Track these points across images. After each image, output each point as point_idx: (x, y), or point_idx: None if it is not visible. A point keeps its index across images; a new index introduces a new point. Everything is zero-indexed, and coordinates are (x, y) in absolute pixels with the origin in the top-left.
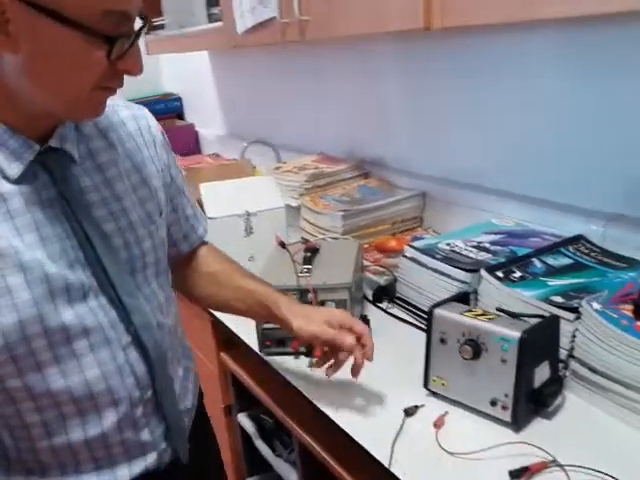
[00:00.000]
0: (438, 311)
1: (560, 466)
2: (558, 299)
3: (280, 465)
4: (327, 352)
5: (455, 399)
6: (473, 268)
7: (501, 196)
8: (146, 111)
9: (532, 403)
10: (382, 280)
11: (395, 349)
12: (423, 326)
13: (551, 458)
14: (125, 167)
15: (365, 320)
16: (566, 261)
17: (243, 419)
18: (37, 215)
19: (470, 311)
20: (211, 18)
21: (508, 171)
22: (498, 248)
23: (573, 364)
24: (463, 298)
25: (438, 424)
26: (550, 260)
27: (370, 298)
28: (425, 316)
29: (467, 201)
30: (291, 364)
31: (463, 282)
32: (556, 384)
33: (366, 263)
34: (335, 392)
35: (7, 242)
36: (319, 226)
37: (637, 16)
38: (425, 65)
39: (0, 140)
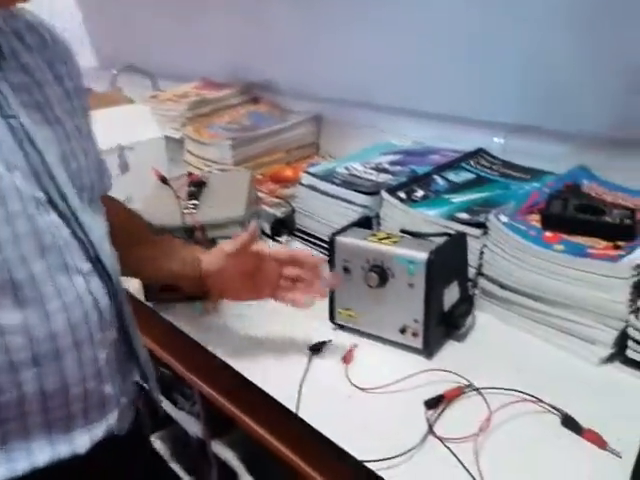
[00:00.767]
0: (339, 239)
1: (476, 390)
2: (463, 215)
3: (183, 418)
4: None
5: (364, 330)
6: (374, 191)
7: (398, 114)
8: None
9: (443, 326)
10: (279, 212)
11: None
12: (327, 257)
13: (467, 382)
14: (47, 76)
15: None
16: (468, 176)
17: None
18: None
19: (373, 235)
20: None
21: (403, 87)
22: (398, 168)
23: (482, 282)
24: (365, 223)
25: (347, 359)
26: (452, 176)
27: (268, 232)
28: (327, 246)
29: (363, 121)
30: (180, 311)
31: (364, 206)
32: (466, 304)
33: (261, 195)
34: (234, 338)
35: None
36: (206, 158)
37: None
38: None
39: None
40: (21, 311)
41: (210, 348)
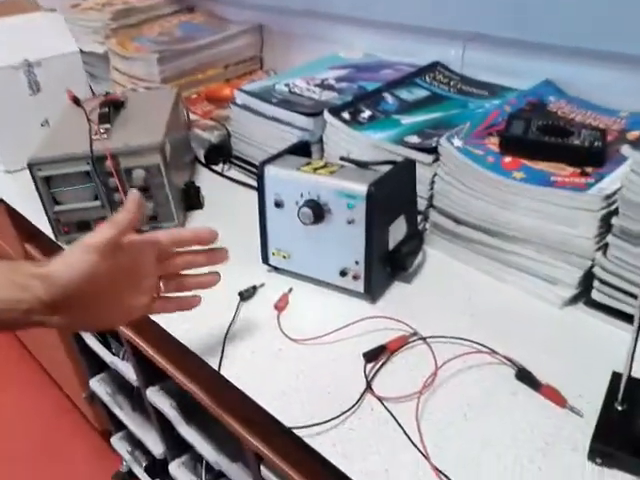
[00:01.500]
0: (269, 168)
1: (423, 339)
2: (413, 139)
3: (117, 363)
4: None
5: (300, 273)
6: (314, 111)
7: (348, 23)
8: None
9: (388, 267)
10: (214, 137)
11: (233, 220)
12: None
13: (411, 330)
14: None
15: (193, 188)
16: (422, 93)
17: None
18: None
19: (309, 164)
20: None
21: None
22: (345, 85)
23: (433, 215)
24: (303, 149)
25: (280, 306)
26: (404, 94)
27: (202, 160)
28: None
29: (310, 32)
30: None
31: (304, 129)
32: (415, 241)
33: (194, 117)
34: None
35: None
36: (132, 75)
37: None
38: None
39: None
40: None
41: None
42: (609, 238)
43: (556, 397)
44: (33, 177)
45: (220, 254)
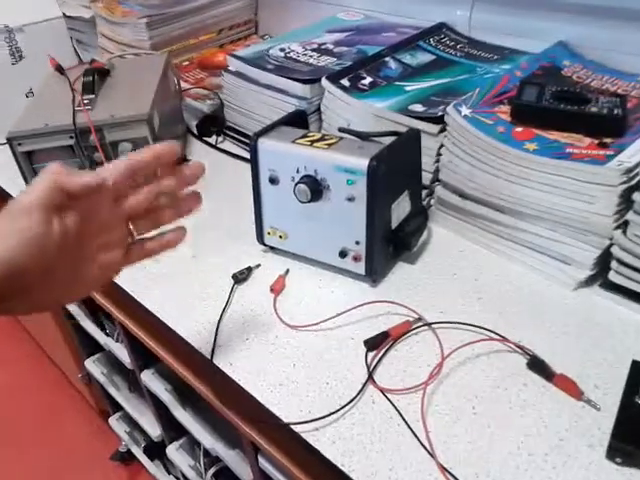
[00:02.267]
0: (263, 141)
1: (428, 325)
2: (418, 107)
3: (111, 345)
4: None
5: (297, 254)
6: (311, 78)
7: None
8: None
9: (391, 247)
10: (206, 106)
11: (227, 196)
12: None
13: (416, 316)
14: None
15: (184, 162)
16: (427, 58)
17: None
18: None
19: (305, 137)
20: None
21: None
22: (344, 49)
23: (439, 190)
24: (299, 120)
25: (276, 288)
26: (407, 58)
27: (195, 132)
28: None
29: None
30: None
31: (301, 98)
32: (419, 218)
33: (186, 86)
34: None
35: None
36: (120, 42)
37: None
38: None
39: None
40: None
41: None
42: (629, 215)
43: (571, 388)
44: (13, 152)
45: (193, 168)
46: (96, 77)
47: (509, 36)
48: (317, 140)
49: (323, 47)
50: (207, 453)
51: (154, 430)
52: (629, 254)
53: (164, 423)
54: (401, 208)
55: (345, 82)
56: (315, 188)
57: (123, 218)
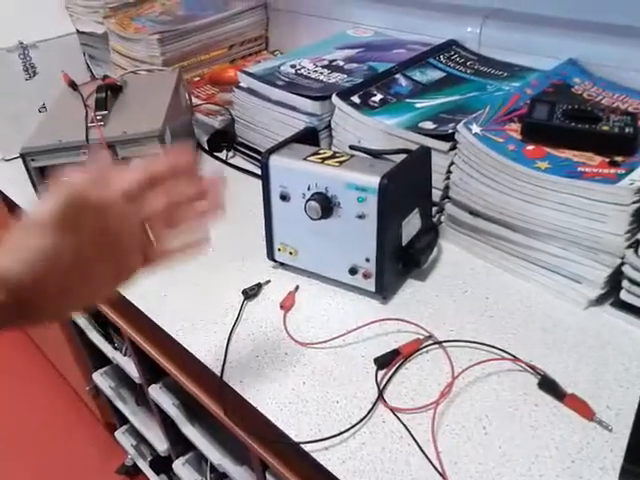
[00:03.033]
0: (274, 158)
1: (438, 343)
2: (428, 125)
3: (119, 359)
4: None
5: (307, 270)
6: (322, 95)
7: (357, 0)
8: None
9: (401, 264)
10: (217, 122)
11: (237, 212)
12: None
13: (426, 334)
14: None
15: None
16: (437, 75)
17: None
18: None
19: (316, 154)
20: None
21: None
22: (354, 66)
23: (449, 207)
24: (310, 137)
25: (286, 305)
26: (417, 75)
27: (205, 147)
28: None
29: (317, 10)
30: None
31: (311, 114)
32: (429, 236)
33: (197, 102)
34: (155, 283)
35: None
36: (133, 57)
37: None
38: None
39: None
40: None
41: (128, 296)
42: None
43: (582, 408)
44: (27, 167)
45: (211, 179)
46: (109, 93)
47: (519, 53)
48: (328, 157)
49: (333, 64)
50: (214, 469)
51: (161, 444)
52: None
53: (171, 437)
54: (411, 225)
55: (356, 99)
56: (326, 205)
57: (138, 222)
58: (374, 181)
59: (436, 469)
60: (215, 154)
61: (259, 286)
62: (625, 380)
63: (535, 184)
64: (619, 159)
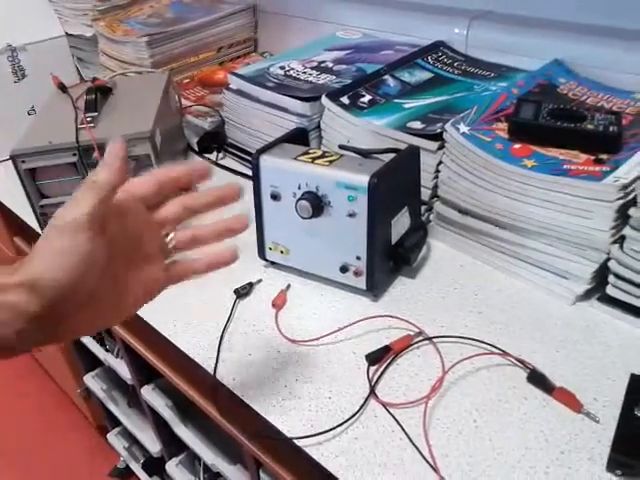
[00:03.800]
0: (265, 158)
1: (429, 339)
2: (417, 125)
3: (111, 361)
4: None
5: (298, 269)
6: (312, 95)
7: (345, 1)
8: None
9: (391, 262)
10: (207, 124)
11: (227, 212)
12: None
13: (417, 330)
14: None
15: None
16: (425, 75)
17: None
18: None
19: (306, 154)
20: None
21: None
22: (343, 67)
23: (438, 206)
24: (300, 137)
25: (278, 303)
26: (406, 76)
27: (196, 148)
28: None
29: (306, 12)
30: None
31: (301, 115)
32: (419, 234)
33: (187, 103)
34: None
35: None
36: (122, 60)
37: None
38: None
39: None
40: None
41: None
42: (626, 230)
43: (570, 401)
44: (17, 169)
45: (230, 190)
46: (98, 95)
47: (506, 54)
48: (318, 157)
49: (323, 65)
50: (207, 469)
51: (153, 446)
52: (626, 268)
53: (164, 439)
54: (401, 224)
55: (345, 100)
56: (316, 204)
57: (157, 230)
58: (364, 180)
59: (427, 462)
60: (206, 155)
61: (251, 285)
62: (611, 373)
63: (522, 182)
64: (604, 157)
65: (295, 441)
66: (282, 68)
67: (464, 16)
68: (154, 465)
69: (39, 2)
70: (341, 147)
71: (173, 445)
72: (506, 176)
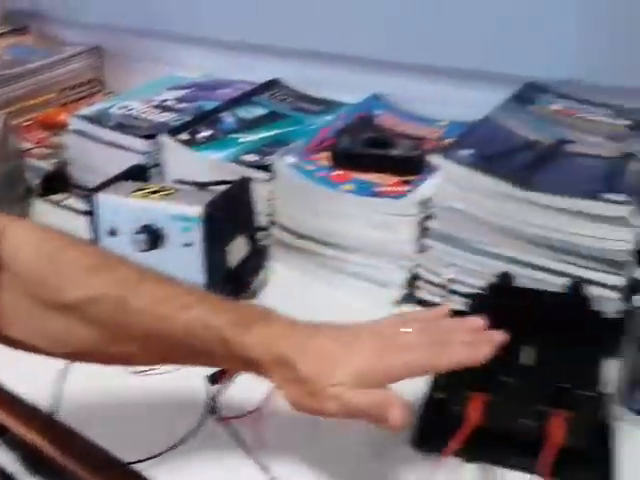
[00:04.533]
0: (101, 195)
1: None
2: (250, 157)
3: None
4: None
5: None
6: (151, 133)
7: (186, 43)
8: None
9: (231, 285)
10: (49, 165)
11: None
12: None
13: None
14: None
15: None
16: (260, 111)
17: None
18: None
19: (141, 190)
20: None
21: (189, 12)
22: (185, 105)
23: (275, 231)
24: (139, 174)
25: None
26: (242, 112)
27: (39, 191)
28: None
29: (148, 53)
30: None
31: (143, 152)
32: (256, 258)
33: (29, 145)
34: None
35: None
36: None
37: None
38: None
39: None
40: None
41: None
42: (426, 241)
43: None
44: None
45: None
46: None
47: (333, 90)
48: (155, 192)
49: (164, 104)
50: None
51: None
52: (429, 272)
53: None
54: (238, 249)
55: (184, 136)
56: (153, 237)
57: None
58: (197, 210)
59: (266, 474)
60: (50, 197)
61: None
62: None
63: (339, 204)
64: (410, 178)
65: (132, 467)
66: (123, 107)
67: (296, 55)
68: None
69: None
70: (177, 181)
71: None
72: (328, 200)
